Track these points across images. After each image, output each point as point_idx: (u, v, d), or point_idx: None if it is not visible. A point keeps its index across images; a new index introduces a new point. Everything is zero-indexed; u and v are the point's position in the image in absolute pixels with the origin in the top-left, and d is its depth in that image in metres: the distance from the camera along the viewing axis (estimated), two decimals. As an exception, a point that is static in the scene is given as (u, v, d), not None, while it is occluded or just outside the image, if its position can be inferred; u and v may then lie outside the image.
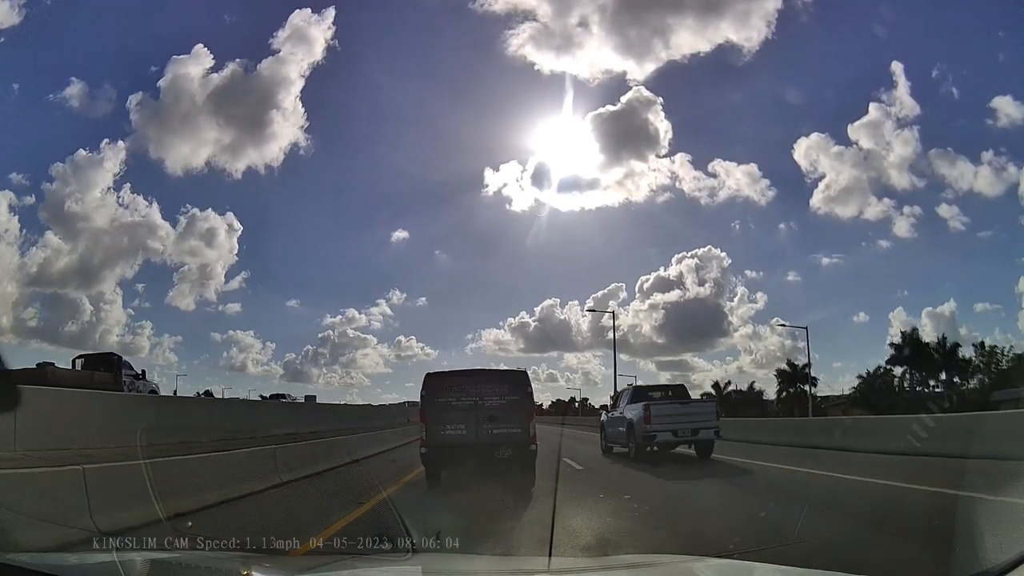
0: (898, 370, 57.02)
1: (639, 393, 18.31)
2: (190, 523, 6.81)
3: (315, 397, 57.58)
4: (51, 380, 22.27)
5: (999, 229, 61.85)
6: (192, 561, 3.88)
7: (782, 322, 51.81)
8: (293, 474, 11.52)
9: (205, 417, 20.42)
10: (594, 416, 65.04)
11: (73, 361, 29.87)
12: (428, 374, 11.44)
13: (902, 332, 55.78)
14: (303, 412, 31.17)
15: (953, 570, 3.76)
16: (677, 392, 18.53)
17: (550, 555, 5.27)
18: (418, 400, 11.53)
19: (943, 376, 53.92)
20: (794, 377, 60.67)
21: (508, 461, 10.63)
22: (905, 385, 56.02)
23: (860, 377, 59.68)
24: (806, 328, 47.59)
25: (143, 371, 31.50)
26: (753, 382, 69.89)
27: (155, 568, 3.27)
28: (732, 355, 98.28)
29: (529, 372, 12.30)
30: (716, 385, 69.60)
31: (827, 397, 63.02)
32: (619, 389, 26.55)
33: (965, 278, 70.96)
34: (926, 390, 54.28)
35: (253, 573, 3.11)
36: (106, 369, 28.49)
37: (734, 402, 66.49)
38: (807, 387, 59.62)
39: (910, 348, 53.79)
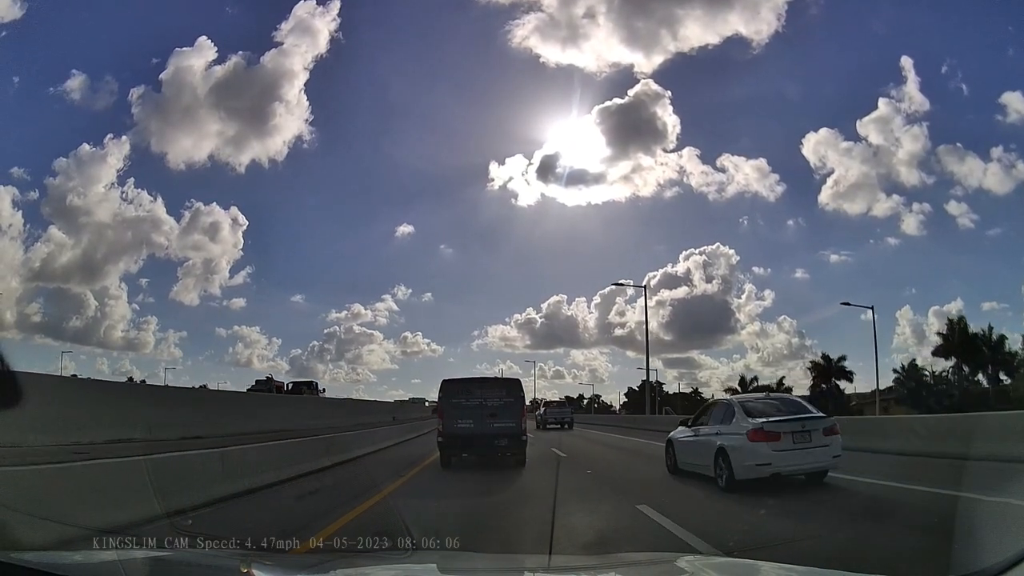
0: (926, 364, 53.70)
1: (545, 404, 45.23)
2: (190, 521, 6.93)
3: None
4: (304, 393, 50.95)
5: (1008, 227, 61.89)
6: (192, 559, 3.98)
7: (846, 302, 46.25)
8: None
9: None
10: (607, 414, 64.94)
11: (289, 383, 55.06)
12: (444, 380, 14.73)
13: (949, 320, 51.51)
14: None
15: (952, 568, 3.82)
16: (561, 402, 46.83)
17: (550, 552, 5.36)
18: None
19: (989, 370, 49.77)
20: (828, 372, 57.93)
21: (504, 448, 14.02)
22: (951, 379, 51.93)
23: (895, 372, 56.85)
24: (871, 308, 43.63)
25: (324, 388, 57.32)
26: (783, 378, 67.22)
27: (156, 567, 3.37)
28: (739, 352, 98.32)
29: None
30: (742, 380, 67.39)
31: (861, 394, 59.19)
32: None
33: (973, 276, 70.79)
34: (969, 385, 50.54)
35: (253, 571, 3.19)
36: (309, 388, 54.20)
37: (761, 399, 63.81)
38: (841, 382, 56.94)
39: (959, 339, 48.93)
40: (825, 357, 58.71)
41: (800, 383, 63.09)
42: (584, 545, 5.94)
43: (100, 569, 3.21)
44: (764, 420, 9.61)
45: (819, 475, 9.78)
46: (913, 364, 55.63)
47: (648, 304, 43.17)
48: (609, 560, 4.44)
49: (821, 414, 10.44)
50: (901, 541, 5.81)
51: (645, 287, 45.62)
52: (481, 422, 13.82)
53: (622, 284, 45.05)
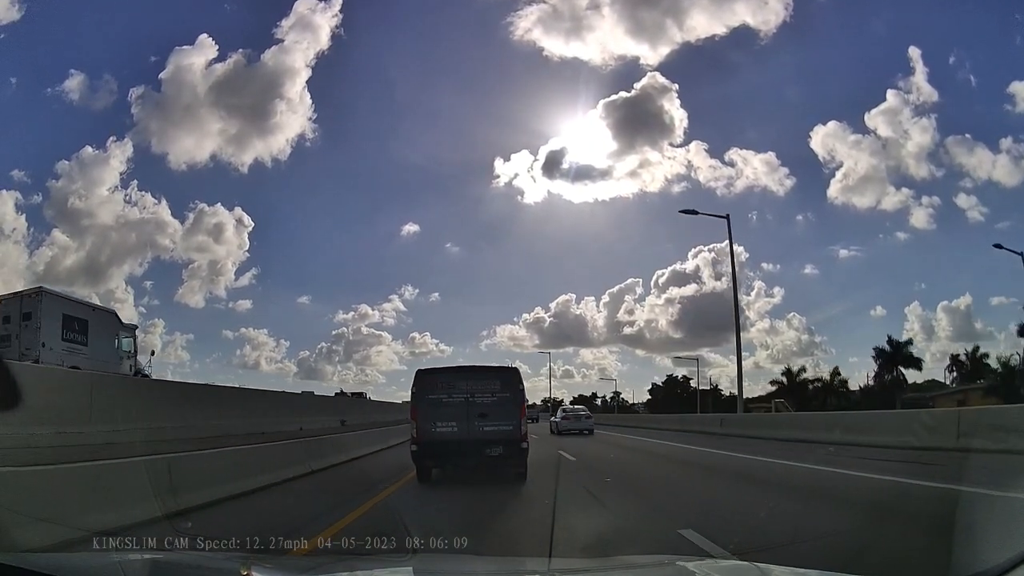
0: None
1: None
2: (190, 523, 7.00)
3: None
4: (363, 399, 53.84)
5: (1017, 220, 61.31)
6: (192, 561, 4.03)
7: (999, 244, 36.58)
8: None
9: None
10: (627, 413, 64.33)
11: (347, 392, 62.47)
12: (419, 371, 11.85)
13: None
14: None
15: (952, 569, 3.85)
16: (533, 404, 66.64)
17: (550, 555, 5.41)
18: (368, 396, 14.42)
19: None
20: (894, 359, 53.32)
21: (499, 459, 11.11)
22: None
23: (957, 357, 52.99)
24: (1022, 255, 34.43)
25: (369, 396, 61.15)
26: (836, 368, 64.45)
27: (156, 568, 3.43)
28: (748, 350, 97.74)
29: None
30: (788, 371, 64.26)
31: (932, 383, 54.96)
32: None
33: (982, 270, 70.07)
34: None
35: (253, 572, 3.24)
36: (361, 396, 58.74)
37: (811, 393, 59.73)
38: (909, 370, 52.95)
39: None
40: (891, 342, 54.60)
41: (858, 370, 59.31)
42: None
43: (101, 571, 3.27)
44: (564, 413, 36.26)
45: (588, 431, 32.14)
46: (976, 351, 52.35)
47: (733, 246, 33.46)
48: (611, 563, 4.46)
49: (587, 412, 37.25)
50: (902, 541, 5.82)
51: (727, 217, 33.79)
52: (467, 424, 11.07)
53: (696, 213, 32.33)
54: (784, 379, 63.41)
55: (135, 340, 28.35)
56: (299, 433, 18.75)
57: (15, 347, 22.08)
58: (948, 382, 55.91)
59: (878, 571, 4.77)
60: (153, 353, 33.20)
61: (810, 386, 61.95)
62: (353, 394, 66.55)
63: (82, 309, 25.47)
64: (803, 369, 64.11)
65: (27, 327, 22.49)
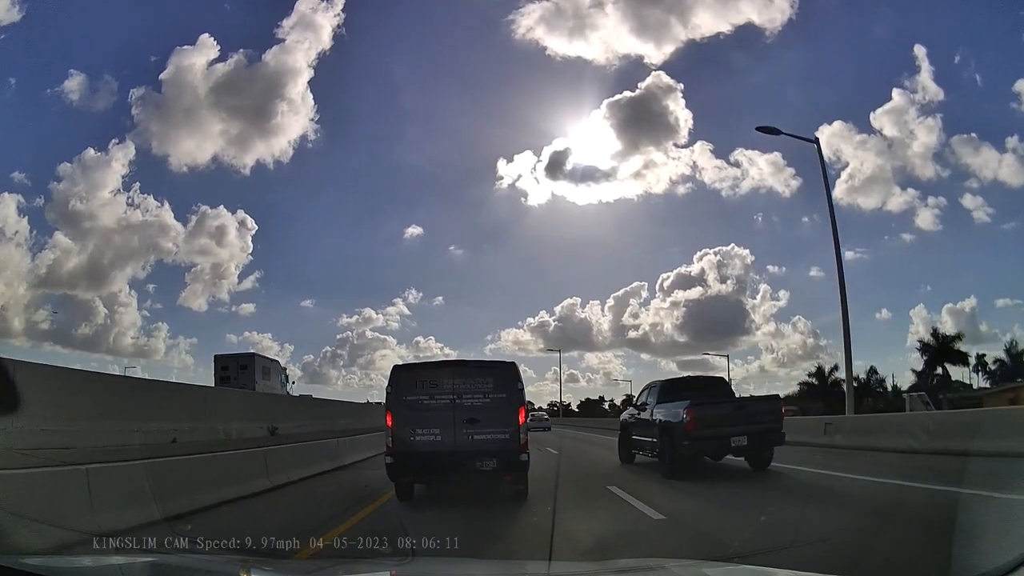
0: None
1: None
2: (189, 526, 7.03)
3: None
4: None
5: (1023, 220, 60.80)
6: (192, 564, 4.06)
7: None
8: None
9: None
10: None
11: (376, 403, 71.38)
12: (396, 366, 9.96)
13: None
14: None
15: (953, 571, 3.86)
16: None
17: (550, 558, 5.43)
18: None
19: None
20: (941, 353, 48.70)
21: (492, 472, 9.24)
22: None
23: (983, 357, 50.25)
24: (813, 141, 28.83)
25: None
26: (872, 367, 61.07)
27: (155, 571, 3.46)
28: (754, 354, 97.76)
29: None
30: (819, 369, 60.14)
31: (956, 383, 51.24)
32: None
33: (988, 272, 69.83)
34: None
35: None
36: (378, 405, 63.75)
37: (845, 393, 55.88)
38: (957, 367, 49.33)
39: None
40: (935, 335, 50.47)
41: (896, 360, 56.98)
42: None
43: (100, 572, 3.30)
44: (532, 416, 33.67)
45: (548, 428, 46.10)
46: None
47: (827, 176, 24.47)
48: (611, 566, 4.48)
49: (547, 416, 56.04)
50: (902, 543, 5.83)
51: (817, 141, 25.78)
52: (453, 432, 9.23)
53: (778, 132, 23.92)
54: (815, 380, 59.00)
55: (287, 374, 48.50)
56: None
57: (234, 384, 37.54)
58: (973, 384, 54.51)
59: None
60: (294, 382, 51.28)
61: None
62: (377, 403, 71.22)
63: (268, 361, 44.68)
64: (836, 368, 56.38)
65: (244, 373, 39.96)
